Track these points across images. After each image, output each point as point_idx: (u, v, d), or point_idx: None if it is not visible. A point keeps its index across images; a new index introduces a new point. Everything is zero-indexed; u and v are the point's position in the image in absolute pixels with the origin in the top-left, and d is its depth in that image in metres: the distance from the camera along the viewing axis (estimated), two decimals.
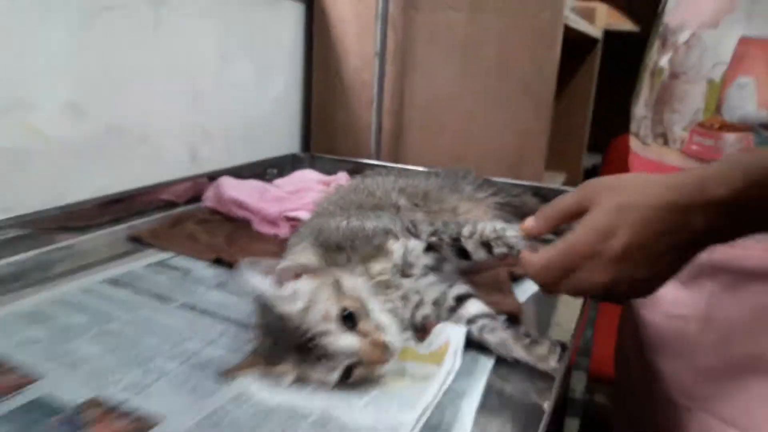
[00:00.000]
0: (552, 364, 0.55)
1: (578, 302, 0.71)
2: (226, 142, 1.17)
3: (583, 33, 1.45)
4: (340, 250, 0.61)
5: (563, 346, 0.57)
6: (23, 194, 0.81)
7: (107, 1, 0.87)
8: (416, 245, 0.62)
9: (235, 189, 0.97)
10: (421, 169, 1.13)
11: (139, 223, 0.93)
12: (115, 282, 0.72)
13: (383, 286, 0.59)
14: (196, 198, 1.04)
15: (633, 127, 0.74)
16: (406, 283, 0.61)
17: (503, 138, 1.25)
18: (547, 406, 0.51)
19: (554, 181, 1.65)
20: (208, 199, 1.00)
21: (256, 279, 0.53)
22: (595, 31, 1.64)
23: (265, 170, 1.22)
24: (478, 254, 0.63)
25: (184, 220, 0.92)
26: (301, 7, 1.35)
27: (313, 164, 1.29)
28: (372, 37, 1.28)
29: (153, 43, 0.97)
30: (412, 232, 0.63)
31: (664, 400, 0.71)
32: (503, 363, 0.57)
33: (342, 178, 1.05)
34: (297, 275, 0.56)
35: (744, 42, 0.58)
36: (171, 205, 1.02)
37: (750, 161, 0.45)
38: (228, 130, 1.18)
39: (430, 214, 0.78)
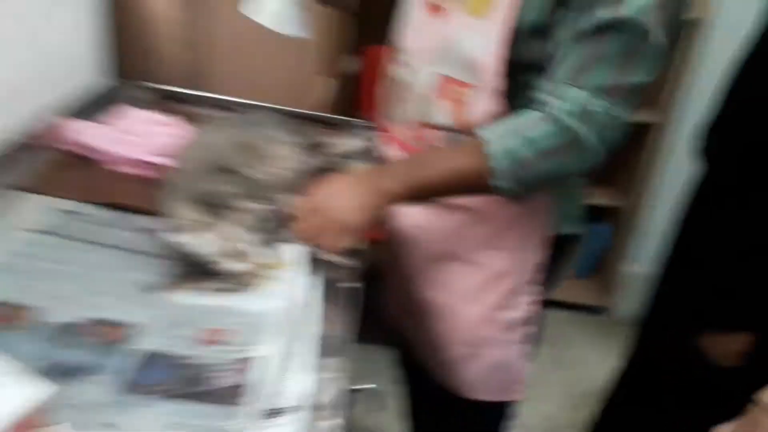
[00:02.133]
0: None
1: None
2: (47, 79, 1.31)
3: None
4: (213, 207, 0.93)
5: (360, 251, 0.98)
6: None
7: None
8: (264, 208, 0.96)
9: (85, 133, 1.16)
10: (232, 99, 1.47)
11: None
12: (37, 236, 0.94)
13: (249, 226, 0.94)
14: None
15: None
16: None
17: (288, 74, 1.57)
18: (355, 286, 0.92)
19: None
20: (58, 143, 1.16)
21: (171, 235, 0.85)
22: None
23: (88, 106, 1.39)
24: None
25: (49, 168, 1.11)
26: None
27: (124, 91, 1.48)
28: None
29: None
30: (261, 196, 0.98)
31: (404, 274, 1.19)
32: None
33: (174, 118, 1.29)
34: (188, 229, 0.88)
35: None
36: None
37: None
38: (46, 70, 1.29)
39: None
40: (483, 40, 0.91)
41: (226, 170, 1.01)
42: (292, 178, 1.05)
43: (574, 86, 0.85)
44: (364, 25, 2.00)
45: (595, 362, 2.32)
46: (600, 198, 2.45)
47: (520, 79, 0.93)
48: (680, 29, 0.89)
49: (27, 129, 1.20)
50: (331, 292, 0.91)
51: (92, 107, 1.39)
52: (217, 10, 1.53)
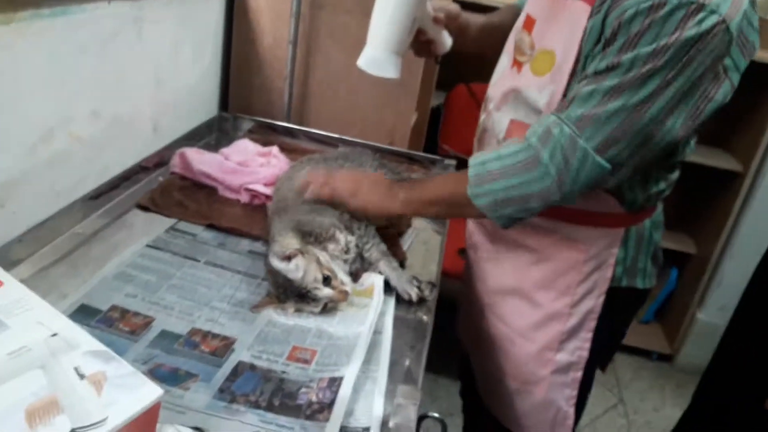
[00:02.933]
0: (427, 295, 1.02)
1: (437, 250, 1.19)
2: (176, 111, 1.48)
3: None
4: (310, 235, 1.02)
5: (433, 285, 1.04)
6: (69, 181, 1.12)
7: (106, 33, 1.14)
8: (351, 239, 1.04)
9: (201, 162, 1.30)
10: (323, 133, 1.57)
11: (131, 193, 1.24)
12: (154, 247, 1.07)
13: (336, 256, 1.02)
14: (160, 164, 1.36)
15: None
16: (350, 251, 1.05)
17: (381, 111, 1.67)
18: (427, 318, 0.99)
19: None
20: (176, 167, 1.32)
21: (275, 260, 0.94)
22: None
23: (202, 135, 1.55)
24: (369, 254, 1.07)
25: (170, 189, 1.25)
26: None
27: (235, 125, 1.64)
28: (283, 22, 1.61)
29: (135, 51, 1.25)
30: (348, 228, 1.05)
31: (476, 304, 1.24)
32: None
33: (275, 150, 1.41)
34: (293, 255, 0.96)
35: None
36: (142, 170, 1.33)
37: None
38: (176, 103, 1.47)
39: None
40: (542, 94, 0.98)
41: (319, 201, 1.10)
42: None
43: (553, 114, 0.90)
44: (449, 64, 2.08)
45: (656, 409, 2.27)
46: (669, 242, 2.39)
47: None
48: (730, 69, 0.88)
49: (151, 154, 1.36)
50: (406, 321, 0.98)
51: (207, 137, 1.56)
52: (316, 51, 1.65)
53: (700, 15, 0.79)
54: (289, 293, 0.95)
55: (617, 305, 1.10)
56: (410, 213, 1.17)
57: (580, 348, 1.12)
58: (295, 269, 0.94)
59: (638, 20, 0.81)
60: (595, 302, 1.08)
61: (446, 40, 1.22)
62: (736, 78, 0.89)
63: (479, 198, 0.95)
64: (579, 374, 1.14)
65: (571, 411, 1.17)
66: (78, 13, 1.04)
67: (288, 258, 0.94)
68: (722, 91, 0.88)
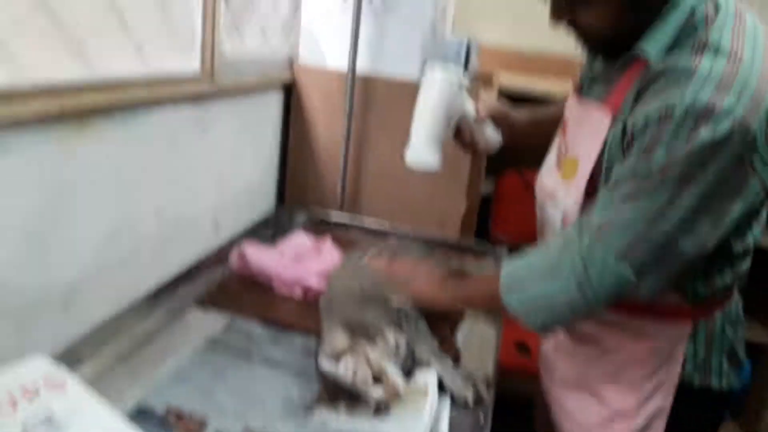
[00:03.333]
0: (484, 395, 0.99)
1: (492, 344, 1.16)
2: (236, 208, 1.53)
3: None
4: (359, 331, 1.01)
5: (489, 383, 1.01)
6: (132, 280, 1.16)
7: (171, 135, 1.21)
8: (400, 337, 1.03)
9: (258, 259, 1.33)
10: (374, 225, 1.58)
11: (191, 290, 1.28)
12: (210, 346, 1.08)
13: (385, 354, 1.01)
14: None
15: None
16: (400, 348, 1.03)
17: (431, 201, 1.69)
18: (483, 420, 0.95)
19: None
20: (234, 264, 1.35)
21: (325, 362, 0.93)
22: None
23: (260, 230, 1.60)
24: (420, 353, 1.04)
25: (228, 285, 1.29)
26: (281, 95, 1.71)
27: (291, 218, 1.69)
28: (337, 118, 1.68)
29: (198, 150, 1.32)
30: (397, 324, 1.05)
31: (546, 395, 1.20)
32: None
33: (328, 244, 1.44)
34: (342, 354, 0.95)
35: None
36: (203, 266, 1.37)
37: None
38: (236, 200, 1.53)
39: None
40: (567, 199, 0.99)
41: (370, 298, 1.10)
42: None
43: (576, 223, 0.91)
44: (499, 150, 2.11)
45: None
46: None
47: None
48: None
49: (211, 251, 1.41)
50: (462, 423, 0.95)
51: (264, 231, 1.60)
52: (368, 145, 1.70)
53: (713, 120, 0.77)
54: (340, 394, 0.94)
55: (691, 407, 1.04)
56: (458, 307, 1.18)
57: None
58: (345, 369, 0.93)
59: (651, 129, 0.81)
60: (663, 402, 1.02)
61: (493, 138, 1.25)
62: None
63: (511, 305, 0.95)
64: None
65: None
66: (145, 116, 1.11)
67: (337, 357, 0.94)
68: (752, 192, 0.85)
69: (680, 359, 1.01)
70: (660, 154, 0.80)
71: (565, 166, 1.01)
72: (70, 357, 0.96)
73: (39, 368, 0.75)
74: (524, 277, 0.95)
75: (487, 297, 1.02)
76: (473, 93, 1.22)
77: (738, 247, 0.95)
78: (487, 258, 1.58)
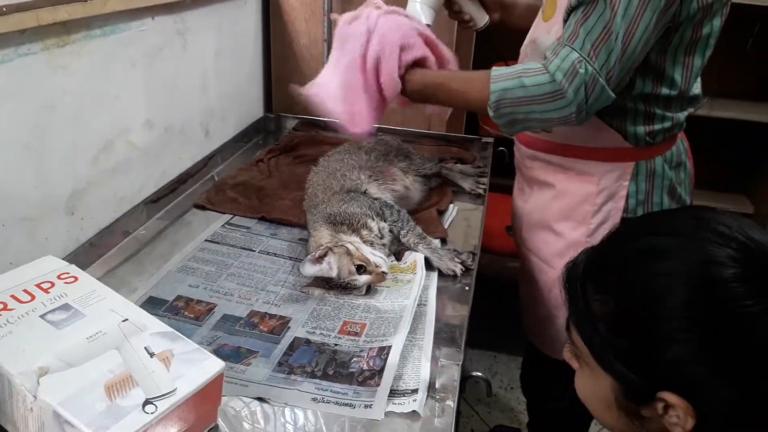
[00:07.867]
0: (470, 264, 1.05)
1: (478, 228, 1.21)
2: (225, 115, 1.54)
3: None
4: (342, 225, 1.05)
5: (473, 253, 1.07)
6: (130, 187, 1.19)
7: (153, 47, 1.21)
8: (384, 225, 1.07)
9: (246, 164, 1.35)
10: None
11: (189, 195, 1.31)
12: (212, 241, 1.13)
13: (370, 242, 1.05)
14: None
15: None
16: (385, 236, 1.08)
17: None
18: (468, 287, 1.01)
19: None
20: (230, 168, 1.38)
21: (308, 267, 0.97)
22: None
23: (251, 137, 1.62)
24: (406, 239, 1.09)
25: (224, 188, 1.32)
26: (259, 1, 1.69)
27: (278, 124, 1.71)
28: (316, 21, 1.66)
29: (181, 61, 1.31)
30: (380, 215, 1.09)
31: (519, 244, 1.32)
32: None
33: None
34: (323, 255, 1.00)
35: None
36: (198, 172, 1.40)
37: None
38: (223, 108, 1.54)
39: (380, 181, 1.23)
40: (550, 35, 1.04)
41: (352, 190, 1.14)
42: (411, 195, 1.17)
43: (568, 45, 0.94)
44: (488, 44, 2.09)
45: None
46: (726, 203, 2.29)
47: None
48: None
49: (205, 156, 1.43)
50: (449, 291, 1.01)
51: (255, 137, 1.63)
52: None
53: None
54: (332, 286, 1.00)
55: None
56: (415, 85, 1.12)
57: None
58: (329, 269, 0.97)
59: None
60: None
61: (479, 16, 1.29)
62: None
63: (499, 117, 1.01)
64: None
65: None
66: (125, 31, 1.11)
67: (319, 259, 0.97)
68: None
69: (623, 196, 1.11)
70: None
71: (547, 9, 1.08)
72: (77, 261, 1.01)
73: (51, 266, 0.79)
74: (519, 97, 0.98)
75: (462, 92, 1.08)
76: None
77: (666, 89, 1.03)
78: (474, 149, 1.60)
